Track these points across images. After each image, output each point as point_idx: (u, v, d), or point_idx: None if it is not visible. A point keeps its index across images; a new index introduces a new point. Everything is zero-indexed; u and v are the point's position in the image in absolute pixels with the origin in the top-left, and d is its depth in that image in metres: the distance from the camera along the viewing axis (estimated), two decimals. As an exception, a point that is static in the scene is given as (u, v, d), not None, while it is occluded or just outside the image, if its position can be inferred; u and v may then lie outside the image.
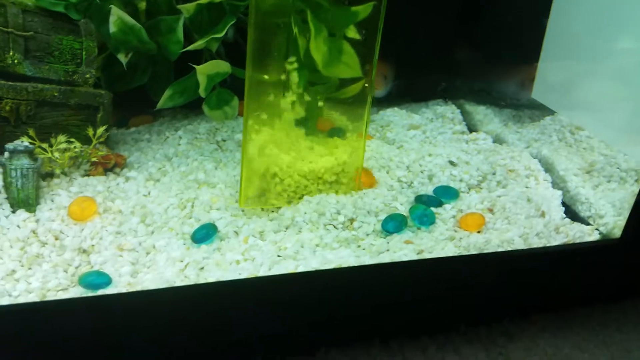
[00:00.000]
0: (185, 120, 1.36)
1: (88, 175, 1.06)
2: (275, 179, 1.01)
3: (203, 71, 1.13)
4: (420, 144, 1.29)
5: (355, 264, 0.88)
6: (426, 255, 0.93)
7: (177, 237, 0.97)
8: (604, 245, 1.00)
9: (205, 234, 0.96)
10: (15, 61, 1.01)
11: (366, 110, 1.02)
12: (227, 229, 0.98)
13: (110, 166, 1.09)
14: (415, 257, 0.92)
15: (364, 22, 0.98)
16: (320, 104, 1.05)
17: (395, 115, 1.41)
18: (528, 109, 1.53)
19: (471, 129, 1.43)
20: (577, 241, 1.01)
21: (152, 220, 0.99)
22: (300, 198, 1.03)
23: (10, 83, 0.99)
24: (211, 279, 0.87)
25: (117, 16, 1.06)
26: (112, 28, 1.07)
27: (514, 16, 1.48)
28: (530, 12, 1.48)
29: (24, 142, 0.98)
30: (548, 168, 1.20)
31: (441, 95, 1.58)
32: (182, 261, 0.91)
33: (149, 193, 1.06)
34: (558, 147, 1.30)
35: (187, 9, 1.09)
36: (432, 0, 1.48)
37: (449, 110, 1.49)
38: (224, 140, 1.27)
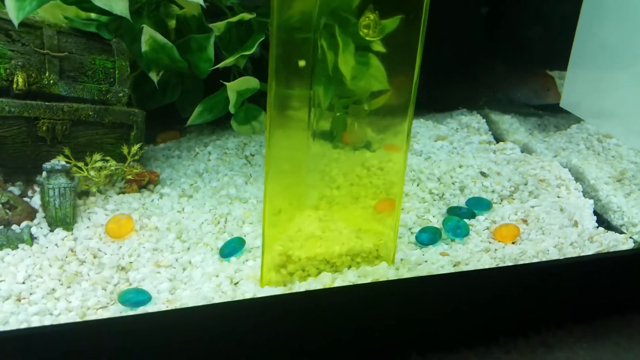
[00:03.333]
0: (213, 135, 1.37)
1: (123, 192, 1.08)
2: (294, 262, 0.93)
3: (233, 88, 1.14)
4: (448, 155, 1.29)
5: (395, 277, 0.88)
6: (463, 267, 0.93)
7: (212, 252, 0.97)
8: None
9: (233, 248, 0.97)
10: (51, 82, 1.02)
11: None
12: (257, 241, 0.99)
13: (144, 183, 1.10)
14: (452, 269, 0.92)
15: (400, 34, 0.96)
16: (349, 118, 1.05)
17: (421, 127, 1.42)
18: (553, 117, 1.53)
19: (497, 138, 1.44)
20: (612, 249, 1.01)
21: (188, 237, 1.00)
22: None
23: (46, 103, 1.01)
24: (247, 294, 0.88)
25: (149, 35, 1.08)
26: (144, 47, 1.09)
27: (541, 23, 1.48)
28: (558, 18, 1.48)
29: (60, 161, 0.99)
30: (578, 177, 1.20)
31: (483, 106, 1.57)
32: (217, 276, 0.91)
33: (183, 209, 1.07)
34: (587, 155, 1.30)
35: (217, 27, 1.11)
36: (455, 7, 1.48)
37: (474, 120, 1.49)
38: (253, 155, 1.28)
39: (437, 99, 1.57)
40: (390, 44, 0.93)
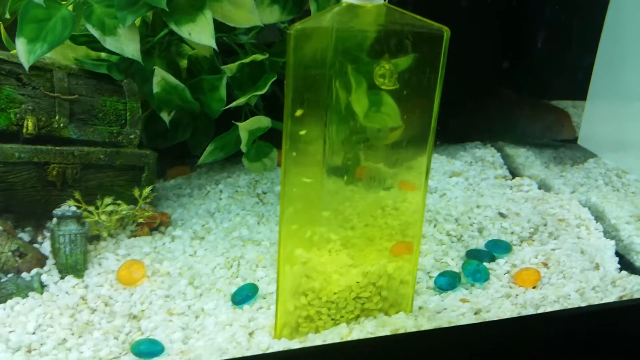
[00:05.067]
0: (224, 171, 1.35)
1: (134, 236, 1.06)
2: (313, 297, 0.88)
3: (245, 127, 1.13)
4: (464, 192, 1.27)
5: (414, 327, 0.85)
6: (484, 315, 0.90)
7: (225, 298, 0.95)
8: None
9: (245, 295, 0.94)
10: (61, 125, 1.01)
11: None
12: (271, 287, 0.97)
13: (155, 225, 1.08)
14: (473, 317, 0.89)
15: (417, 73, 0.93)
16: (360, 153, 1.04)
17: (435, 162, 1.40)
18: (569, 150, 1.51)
19: (513, 172, 1.41)
20: (635, 293, 0.98)
21: (200, 282, 0.98)
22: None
23: (57, 148, 0.99)
24: (263, 344, 0.85)
25: (160, 77, 1.06)
26: (156, 88, 1.07)
27: (558, 52, 1.47)
28: (575, 48, 1.47)
29: (71, 206, 0.97)
30: (598, 216, 1.18)
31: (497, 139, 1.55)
32: (231, 325, 0.89)
33: (195, 253, 1.05)
34: (606, 192, 1.27)
35: (230, 68, 1.09)
36: (468, 34, 1.47)
37: (489, 153, 1.47)
38: (264, 193, 1.26)
39: (449, 129, 1.55)
40: (406, 82, 0.91)
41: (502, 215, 1.15)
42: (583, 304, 0.94)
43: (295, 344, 0.85)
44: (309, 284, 0.86)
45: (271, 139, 1.25)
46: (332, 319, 0.89)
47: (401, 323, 0.86)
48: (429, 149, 0.89)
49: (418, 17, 0.83)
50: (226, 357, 0.83)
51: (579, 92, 1.49)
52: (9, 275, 0.93)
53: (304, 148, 0.94)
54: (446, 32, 0.81)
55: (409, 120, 0.91)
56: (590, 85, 1.40)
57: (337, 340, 0.85)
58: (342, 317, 0.89)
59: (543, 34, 1.51)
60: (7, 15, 1.17)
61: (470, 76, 1.50)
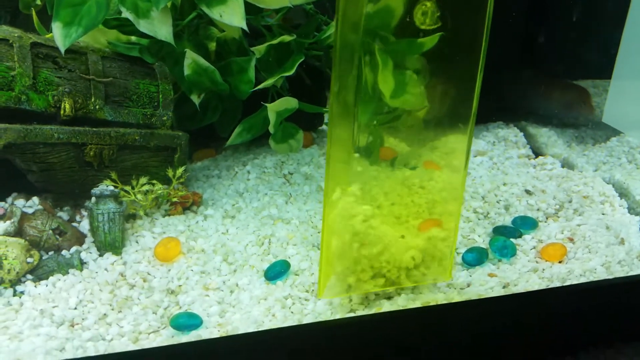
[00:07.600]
0: (250, 153, 1.38)
1: (168, 215, 1.09)
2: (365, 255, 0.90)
3: (274, 109, 1.15)
4: (488, 171, 1.29)
5: (444, 300, 0.88)
6: (512, 288, 0.92)
7: (258, 274, 0.98)
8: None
9: (278, 271, 0.97)
10: (97, 107, 1.04)
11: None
12: (303, 264, 0.99)
13: (188, 205, 1.11)
14: (502, 290, 0.91)
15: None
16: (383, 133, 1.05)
17: (458, 141, 1.41)
18: (591, 130, 1.52)
19: (536, 152, 1.43)
20: (661, 268, 1.00)
21: (234, 259, 1.00)
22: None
23: (94, 129, 1.02)
24: (297, 317, 0.88)
25: (191, 59, 1.09)
26: (187, 71, 1.10)
27: (582, 30, 1.47)
28: (600, 26, 1.47)
29: (108, 186, 1.00)
30: (623, 193, 1.19)
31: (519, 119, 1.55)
32: (265, 299, 0.92)
33: (227, 230, 1.07)
34: (630, 170, 1.28)
35: (258, 50, 1.11)
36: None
37: (512, 133, 1.48)
38: (291, 174, 1.28)
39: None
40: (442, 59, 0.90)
41: (528, 192, 1.16)
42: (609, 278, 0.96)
43: (336, 306, 0.88)
44: (350, 249, 0.88)
45: (297, 120, 1.27)
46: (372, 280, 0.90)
47: (432, 296, 0.89)
48: (470, 129, 0.91)
49: None
50: (262, 329, 0.86)
51: (602, 70, 1.50)
52: (50, 253, 0.96)
53: (345, 130, 0.96)
54: None
55: (445, 99, 0.93)
56: (616, 63, 1.41)
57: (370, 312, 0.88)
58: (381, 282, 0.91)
59: (567, 12, 1.51)
60: (38, 1, 1.19)
61: (491, 55, 1.51)
